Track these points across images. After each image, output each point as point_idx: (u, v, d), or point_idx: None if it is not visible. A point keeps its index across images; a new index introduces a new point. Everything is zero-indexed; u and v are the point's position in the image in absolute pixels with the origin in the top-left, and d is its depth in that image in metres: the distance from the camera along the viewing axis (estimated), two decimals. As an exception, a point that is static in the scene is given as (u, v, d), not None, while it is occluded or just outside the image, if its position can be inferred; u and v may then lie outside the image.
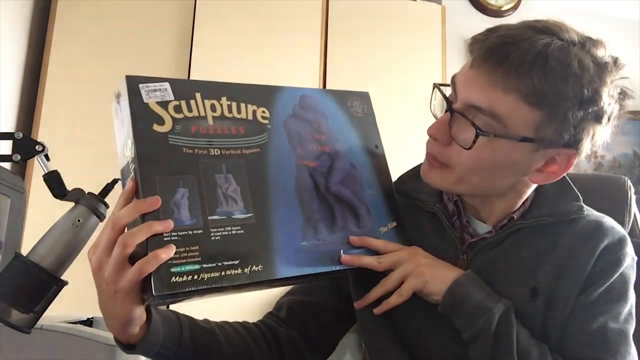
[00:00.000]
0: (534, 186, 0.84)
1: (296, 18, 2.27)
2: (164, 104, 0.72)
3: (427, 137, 0.81)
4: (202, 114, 0.74)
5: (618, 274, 0.79)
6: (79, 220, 0.73)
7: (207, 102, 0.75)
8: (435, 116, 0.82)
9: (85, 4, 2.07)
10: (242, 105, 0.77)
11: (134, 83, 0.71)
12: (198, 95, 0.74)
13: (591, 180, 1.08)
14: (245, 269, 0.69)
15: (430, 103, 0.83)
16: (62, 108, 1.99)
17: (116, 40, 2.08)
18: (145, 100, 0.71)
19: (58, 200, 0.75)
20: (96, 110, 1.93)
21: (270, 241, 0.72)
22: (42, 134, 1.95)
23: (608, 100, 0.74)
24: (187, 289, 0.65)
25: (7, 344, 0.97)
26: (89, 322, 1.21)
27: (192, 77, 2.10)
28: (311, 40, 2.27)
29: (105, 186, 0.76)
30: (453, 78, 0.79)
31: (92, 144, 1.95)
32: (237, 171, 0.73)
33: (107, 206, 0.75)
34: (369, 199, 0.83)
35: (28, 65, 2.06)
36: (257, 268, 0.70)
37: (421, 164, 0.90)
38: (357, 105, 0.88)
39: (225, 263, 0.68)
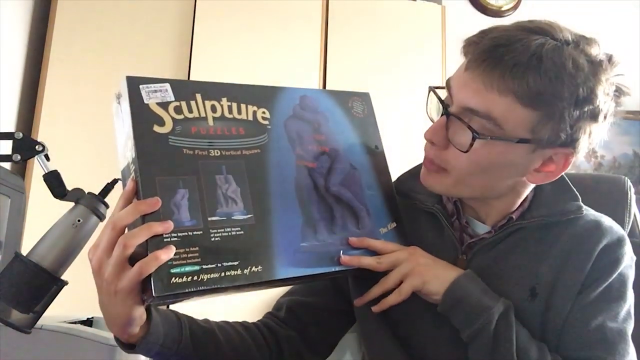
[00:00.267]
0: (532, 186, 0.84)
1: (296, 18, 2.27)
2: (164, 105, 0.72)
3: (426, 138, 0.81)
4: (203, 114, 0.74)
5: (617, 273, 0.79)
6: (79, 220, 0.72)
7: (208, 103, 0.75)
8: (431, 119, 0.82)
9: (85, 4, 2.07)
10: (243, 106, 0.77)
11: (134, 84, 0.71)
12: (198, 96, 0.74)
13: (591, 180, 1.08)
14: (245, 270, 0.69)
15: (426, 106, 0.83)
16: (62, 108, 1.99)
17: (116, 40, 2.08)
18: (145, 101, 0.71)
19: (58, 200, 0.75)
20: (96, 110, 1.94)
21: (270, 242, 0.72)
22: (42, 134, 1.95)
23: (604, 99, 0.74)
24: (186, 290, 0.65)
25: (7, 344, 0.97)
26: (89, 322, 1.21)
27: (192, 77, 2.10)
28: (311, 40, 2.27)
29: (105, 186, 0.76)
30: (448, 81, 0.79)
31: (92, 144, 1.95)
32: (237, 172, 0.73)
33: (107, 206, 0.75)
34: (369, 200, 0.83)
35: (28, 65, 2.05)
36: (256, 269, 0.70)
37: (421, 164, 0.91)
38: (357, 106, 0.88)
39: (225, 264, 0.68)
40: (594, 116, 0.74)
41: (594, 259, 0.79)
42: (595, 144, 0.78)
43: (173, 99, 0.73)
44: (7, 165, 1.33)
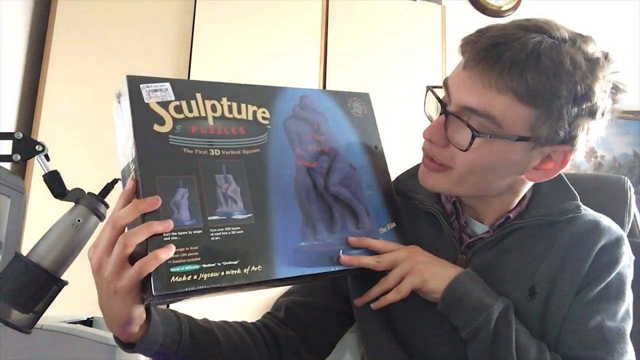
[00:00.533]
0: (530, 184, 0.84)
1: (296, 18, 2.27)
2: (164, 104, 0.72)
3: (426, 137, 0.81)
4: (203, 114, 0.74)
5: (615, 273, 0.79)
6: (79, 220, 0.73)
7: (208, 103, 0.75)
8: (430, 118, 0.82)
9: (85, 4, 2.07)
10: (243, 106, 0.77)
11: (134, 83, 0.71)
12: (199, 95, 0.74)
13: (591, 180, 1.08)
14: (245, 269, 0.69)
15: (424, 106, 0.83)
16: (62, 108, 1.99)
17: (116, 40, 2.08)
18: (146, 101, 0.71)
19: (58, 200, 0.75)
20: (96, 110, 1.94)
21: (270, 241, 0.72)
22: (42, 134, 1.95)
23: (601, 96, 0.74)
24: (186, 289, 0.65)
25: (7, 344, 0.97)
26: (89, 322, 1.21)
27: (192, 77, 2.10)
28: (311, 40, 2.27)
29: (105, 186, 0.76)
30: (446, 80, 0.79)
31: (92, 144, 1.95)
32: (237, 171, 0.73)
33: (107, 206, 0.75)
34: (368, 200, 0.83)
35: (28, 65, 2.05)
36: (256, 268, 0.70)
37: (419, 164, 0.91)
38: (357, 106, 0.88)
39: (225, 263, 0.68)
40: (591, 113, 0.74)
41: (592, 258, 0.79)
42: (593, 141, 0.78)
43: (173, 98, 0.73)
44: (7, 165, 1.33)
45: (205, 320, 0.86)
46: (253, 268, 0.70)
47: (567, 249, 0.80)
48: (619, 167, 2.82)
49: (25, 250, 0.72)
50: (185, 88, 0.74)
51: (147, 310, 0.74)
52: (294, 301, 0.95)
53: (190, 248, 0.67)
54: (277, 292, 0.93)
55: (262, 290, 0.76)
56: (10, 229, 1.02)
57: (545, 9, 2.64)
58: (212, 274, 0.67)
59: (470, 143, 0.74)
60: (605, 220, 0.84)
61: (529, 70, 0.71)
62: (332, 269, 0.77)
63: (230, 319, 0.91)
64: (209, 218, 0.69)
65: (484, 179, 0.79)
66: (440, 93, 0.80)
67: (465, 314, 0.76)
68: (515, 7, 2.85)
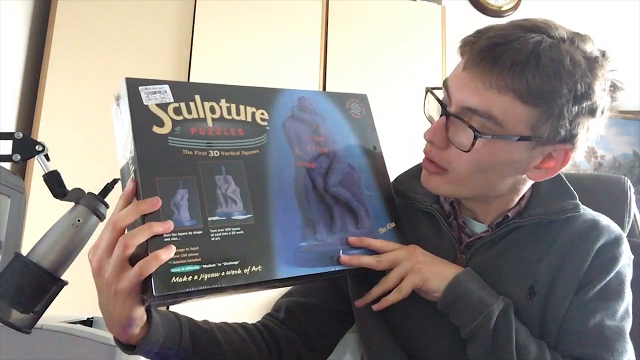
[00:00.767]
0: (530, 183, 0.84)
1: (296, 18, 2.27)
2: (163, 106, 0.72)
3: (426, 137, 0.81)
4: (202, 115, 0.74)
5: (614, 272, 0.80)
6: (79, 220, 0.73)
7: (207, 104, 0.75)
8: (430, 119, 0.82)
9: (85, 4, 2.07)
10: (241, 107, 0.77)
11: (133, 85, 0.71)
12: (197, 97, 0.75)
13: (591, 180, 1.08)
14: (245, 270, 0.69)
15: (424, 107, 0.83)
16: (62, 108, 1.99)
17: (116, 40, 2.08)
18: (145, 103, 0.71)
19: (58, 200, 0.75)
20: (96, 110, 1.94)
21: (270, 242, 0.72)
22: (42, 134, 1.95)
23: (600, 94, 0.75)
24: (187, 290, 0.65)
25: (7, 344, 0.97)
26: (89, 322, 1.21)
27: (192, 77, 2.10)
28: (311, 40, 2.27)
29: (105, 186, 0.77)
30: (445, 81, 0.79)
31: (92, 144, 1.95)
32: (237, 172, 0.73)
33: (107, 206, 0.75)
34: (368, 200, 0.83)
35: (28, 65, 2.05)
36: (256, 269, 0.70)
37: (418, 164, 0.91)
38: (355, 107, 0.88)
39: (225, 264, 0.68)
40: (591, 111, 0.75)
41: (591, 257, 0.79)
42: (593, 139, 0.78)
43: (172, 100, 0.73)
44: (7, 165, 1.33)
45: (206, 322, 0.86)
46: (253, 268, 0.70)
47: (566, 248, 0.80)
48: (619, 167, 2.82)
49: (25, 250, 0.72)
50: (184, 90, 0.74)
51: (148, 311, 0.74)
52: (294, 302, 0.95)
53: (191, 249, 0.67)
54: (277, 293, 0.93)
55: (262, 292, 0.76)
56: (10, 229, 1.02)
57: (545, 8, 2.64)
58: (212, 274, 0.67)
59: (473, 144, 0.74)
60: (604, 220, 0.84)
61: (530, 70, 0.71)
62: (332, 269, 0.77)
63: (230, 320, 0.91)
64: (209, 219, 0.69)
65: (486, 180, 0.79)
66: (440, 94, 0.80)
67: (465, 313, 0.76)
68: (515, 7, 2.85)
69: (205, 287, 0.67)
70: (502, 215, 0.84)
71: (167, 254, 0.65)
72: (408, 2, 2.46)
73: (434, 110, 0.81)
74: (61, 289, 0.72)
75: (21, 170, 1.92)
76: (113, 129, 0.76)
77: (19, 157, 0.75)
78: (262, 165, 0.76)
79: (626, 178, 1.03)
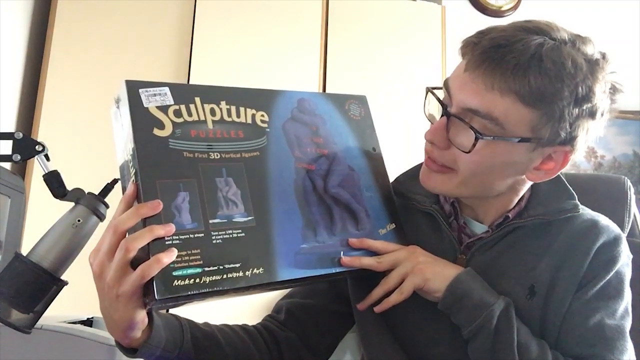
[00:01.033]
0: (529, 184, 0.84)
1: (296, 18, 2.27)
2: (163, 109, 0.72)
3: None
4: (202, 118, 0.74)
5: (614, 271, 0.80)
6: (79, 220, 0.73)
7: (207, 106, 0.75)
8: (430, 119, 0.82)
9: (85, 4, 2.07)
10: (241, 109, 0.77)
11: (133, 88, 0.71)
12: (197, 99, 0.75)
13: (591, 180, 1.08)
14: (246, 272, 0.69)
15: (424, 107, 0.83)
16: (62, 108, 1.99)
17: (116, 40, 2.08)
18: (145, 105, 0.71)
19: (58, 200, 0.75)
20: (96, 110, 1.94)
21: (271, 244, 0.72)
22: (42, 134, 1.95)
23: (601, 96, 0.75)
24: (189, 292, 0.65)
25: (7, 344, 0.97)
26: (89, 322, 1.21)
27: (192, 78, 2.10)
28: (311, 40, 2.27)
29: (105, 186, 0.77)
30: (446, 82, 0.79)
31: (92, 144, 1.95)
32: (237, 175, 0.73)
33: (107, 206, 0.75)
34: (368, 201, 0.83)
35: (28, 65, 2.05)
36: (257, 271, 0.70)
37: (419, 164, 0.91)
38: (354, 109, 0.88)
39: (227, 266, 0.68)
40: (592, 114, 0.75)
41: (591, 257, 0.79)
42: (592, 140, 0.79)
43: (172, 102, 0.73)
44: (7, 165, 1.33)
45: (207, 324, 0.86)
46: (255, 271, 0.70)
47: (566, 248, 0.81)
48: (619, 167, 2.82)
49: (25, 250, 0.72)
50: (184, 92, 0.74)
51: (149, 314, 0.73)
52: (295, 303, 0.95)
53: (192, 251, 0.67)
54: (277, 294, 0.93)
55: (262, 294, 0.76)
56: (10, 229, 1.02)
57: (545, 9, 2.64)
58: (214, 277, 0.67)
59: (474, 145, 0.74)
60: (604, 219, 0.84)
61: (532, 72, 0.71)
62: (333, 271, 0.77)
63: (231, 322, 0.91)
64: (210, 221, 0.69)
65: (487, 180, 0.79)
66: (440, 94, 0.80)
67: (466, 313, 0.76)
68: (515, 7, 2.85)
69: (207, 289, 0.67)
70: (502, 216, 0.84)
71: (169, 257, 0.64)
72: (408, 2, 2.46)
73: (435, 110, 0.81)
74: (61, 289, 0.72)
75: (21, 170, 1.92)
76: (112, 132, 0.75)
77: (19, 157, 0.76)
78: (263, 167, 0.76)
79: (626, 178, 1.03)
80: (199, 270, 0.67)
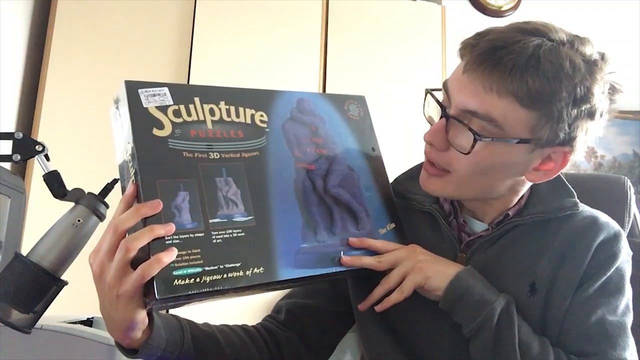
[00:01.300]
0: (529, 184, 0.84)
1: (296, 18, 2.27)
2: (163, 109, 0.72)
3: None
4: (201, 118, 0.74)
5: (614, 268, 0.80)
6: (79, 220, 0.73)
7: (206, 107, 0.75)
8: (429, 121, 0.82)
9: (85, 4, 2.07)
10: (241, 109, 0.78)
11: (133, 88, 0.71)
12: (197, 99, 0.75)
13: (591, 180, 1.08)
14: (247, 272, 0.69)
15: (424, 109, 0.83)
16: (62, 108, 1.99)
17: (116, 40, 2.08)
18: (144, 105, 0.71)
19: (58, 200, 0.75)
20: (96, 110, 1.94)
21: (271, 243, 0.72)
22: (42, 134, 1.95)
23: (599, 97, 0.75)
24: (189, 292, 0.65)
25: (7, 344, 0.97)
26: (89, 322, 1.21)
27: (192, 78, 2.10)
28: (311, 40, 2.27)
29: (105, 186, 0.77)
30: (445, 83, 0.80)
31: (92, 144, 1.95)
32: (237, 174, 0.73)
33: (107, 206, 0.75)
34: (368, 201, 0.83)
35: (28, 65, 2.05)
36: (258, 270, 0.70)
37: (418, 164, 0.91)
38: (353, 109, 0.89)
39: (227, 266, 0.68)
40: (590, 114, 0.75)
41: (591, 254, 0.80)
42: (591, 141, 0.79)
43: (172, 102, 0.73)
44: (7, 165, 1.33)
45: (207, 324, 0.86)
46: (255, 270, 0.70)
47: (566, 245, 0.81)
48: (619, 167, 2.82)
49: (25, 250, 0.73)
50: (183, 92, 0.75)
51: (149, 315, 0.73)
52: (294, 303, 0.95)
53: (193, 251, 0.67)
54: (277, 294, 0.93)
55: (262, 294, 0.76)
56: (10, 229, 1.02)
57: (545, 9, 2.64)
58: (214, 276, 0.67)
59: (472, 146, 0.74)
60: (603, 217, 0.85)
61: (530, 74, 0.71)
62: (333, 270, 0.77)
63: (231, 322, 0.91)
64: (210, 221, 0.69)
65: (486, 182, 0.80)
66: (439, 95, 0.81)
67: (467, 311, 0.76)
68: (515, 7, 2.85)
69: (207, 289, 0.67)
70: (503, 214, 0.84)
71: (169, 256, 0.64)
72: (408, 2, 2.46)
73: (434, 111, 0.82)
74: (61, 289, 0.72)
75: (21, 170, 1.92)
76: (112, 132, 0.75)
77: (19, 157, 0.76)
78: (262, 167, 0.76)
79: (626, 178, 1.03)
80: (199, 269, 0.67)
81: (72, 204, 0.74)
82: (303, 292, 0.96)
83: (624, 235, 0.84)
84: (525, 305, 0.79)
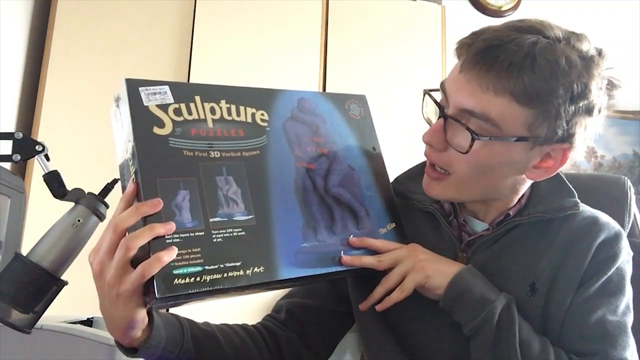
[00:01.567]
0: (529, 183, 0.84)
1: (296, 18, 2.27)
2: (164, 107, 0.72)
3: (426, 137, 0.81)
4: (202, 116, 0.74)
5: (615, 268, 0.80)
6: (79, 220, 0.73)
7: (207, 105, 0.75)
8: (428, 122, 0.83)
9: (85, 4, 2.07)
10: (242, 108, 0.78)
11: (133, 86, 0.71)
12: (197, 98, 0.75)
13: (591, 180, 1.08)
14: (247, 271, 0.69)
15: (422, 110, 0.83)
16: (62, 108, 1.99)
17: (116, 40, 2.08)
18: (145, 104, 0.71)
19: (58, 200, 0.75)
20: (96, 110, 1.94)
21: (271, 243, 0.72)
22: (42, 134, 1.95)
23: (597, 93, 0.75)
24: (189, 291, 0.65)
25: (7, 344, 0.97)
26: (89, 322, 1.21)
27: (192, 77, 2.10)
28: (311, 40, 2.27)
29: (105, 186, 0.77)
30: (443, 83, 0.80)
31: (92, 144, 1.95)
32: (238, 173, 0.73)
33: (107, 206, 0.75)
34: (368, 201, 0.83)
35: (28, 65, 2.05)
36: (258, 270, 0.70)
37: (418, 164, 0.91)
38: (354, 108, 0.89)
39: (227, 265, 0.68)
40: (588, 111, 0.75)
41: (592, 253, 0.80)
42: (591, 138, 0.79)
43: (172, 101, 0.73)
44: (7, 165, 1.33)
45: (207, 324, 0.86)
46: (255, 269, 0.70)
47: (566, 245, 0.81)
48: (619, 167, 2.82)
49: (25, 250, 0.72)
50: (184, 91, 0.74)
51: (149, 314, 0.73)
52: (295, 303, 0.95)
53: (193, 250, 0.67)
54: (277, 294, 0.93)
55: (262, 294, 0.76)
56: (10, 229, 1.02)
57: (545, 8, 2.64)
58: (214, 275, 0.67)
59: (471, 145, 0.74)
60: (604, 217, 0.85)
61: (526, 72, 0.71)
62: (334, 270, 0.77)
63: (230, 322, 0.91)
64: (211, 220, 0.69)
65: (486, 181, 0.79)
66: (437, 96, 0.81)
67: (468, 310, 0.76)
68: (515, 7, 2.85)
69: (208, 288, 0.66)
70: (503, 214, 0.84)
71: (170, 255, 0.64)
72: (408, 2, 2.46)
73: (432, 112, 0.82)
74: (61, 289, 0.72)
75: (21, 170, 1.92)
76: (112, 131, 0.75)
77: (19, 157, 0.76)
78: (263, 166, 0.76)
79: (626, 178, 1.03)
80: (199, 268, 0.67)
81: (72, 204, 0.74)
82: (303, 291, 0.96)
83: (624, 235, 0.84)
84: (526, 305, 0.79)
